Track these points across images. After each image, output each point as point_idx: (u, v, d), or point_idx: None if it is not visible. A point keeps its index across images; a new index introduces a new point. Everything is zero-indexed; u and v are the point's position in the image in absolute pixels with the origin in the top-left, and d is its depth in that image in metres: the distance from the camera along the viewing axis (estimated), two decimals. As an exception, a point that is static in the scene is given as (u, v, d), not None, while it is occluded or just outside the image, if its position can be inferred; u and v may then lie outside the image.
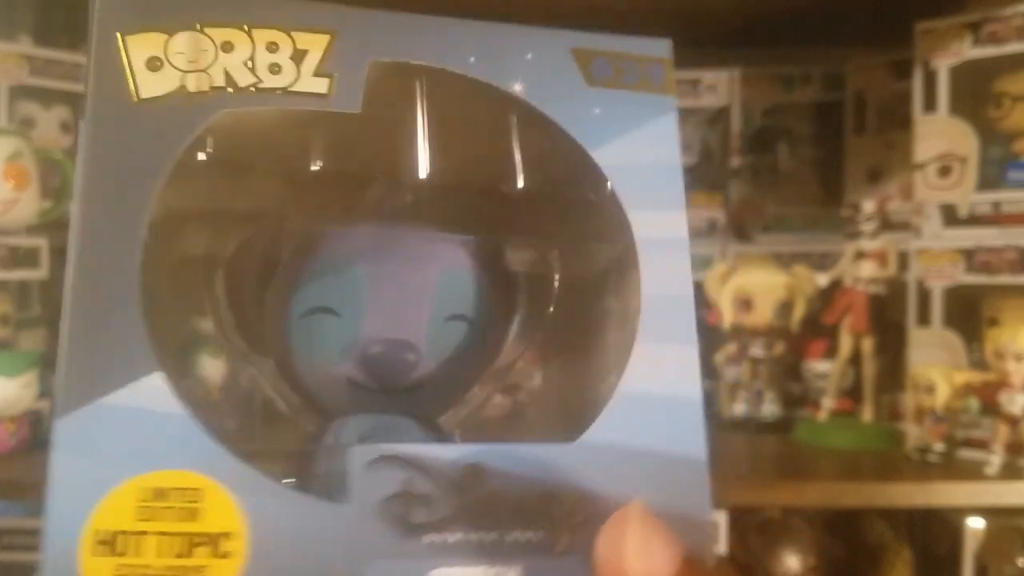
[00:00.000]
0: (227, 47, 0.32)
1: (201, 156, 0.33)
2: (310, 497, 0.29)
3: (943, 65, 0.77)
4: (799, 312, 0.88)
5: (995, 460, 0.72)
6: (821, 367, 0.89)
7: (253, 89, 0.32)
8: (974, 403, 0.74)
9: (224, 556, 0.28)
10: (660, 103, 0.35)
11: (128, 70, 0.31)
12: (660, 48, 0.36)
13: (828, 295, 0.88)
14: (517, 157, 0.38)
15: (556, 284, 0.41)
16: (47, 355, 0.77)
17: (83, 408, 0.28)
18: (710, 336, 0.92)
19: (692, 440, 0.32)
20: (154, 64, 0.31)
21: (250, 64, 0.32)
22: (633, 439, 0.31)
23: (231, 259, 0.39)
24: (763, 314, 0.88)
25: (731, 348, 0.89)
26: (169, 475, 0.28)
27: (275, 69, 0.32)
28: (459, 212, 0.39)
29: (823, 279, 0.88)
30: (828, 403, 0.86)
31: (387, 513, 0.29)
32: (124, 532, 0.28)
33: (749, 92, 0.98)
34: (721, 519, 0.77)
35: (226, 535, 0.28)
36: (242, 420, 0.40)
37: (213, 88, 0.32)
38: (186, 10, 0.32)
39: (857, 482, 0.74)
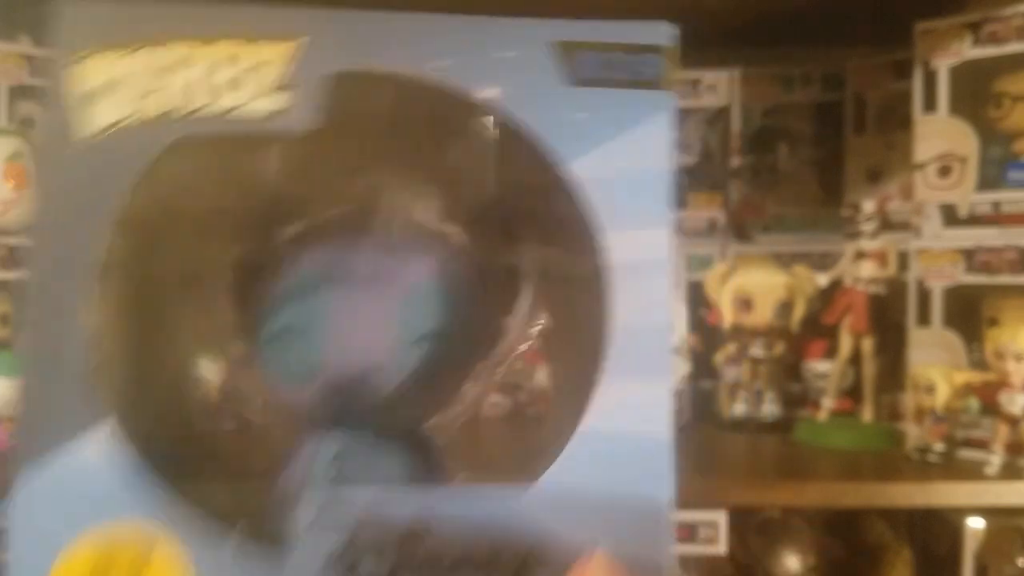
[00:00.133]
0: (184, 64, 0.30)
1: (155, 183, 0.32)
2: (260, 546, 0.29)
3: (943, 65, 0.77)
4: (799, 312, 0.88)
5: (995, 460, 0.72)
6: (821, 367, 0.89)
7: (209, 110, 0.30)
8: (974, 403, 0.74)
9: None
10: (653, 101, 0.31)
11: (81, 98, 0.30)
12: (657, 34, 0.32)
13: (828, 295, 0.88)
14: (487, 173, 0.36)
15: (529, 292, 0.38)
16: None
17: (39, 460, 0.28)
18: (710, 336, 0.92)
19: (658, 482, 0.30)
20: (110, 88, 0.30)
21: (207, 82, 0.30)
22: (594, 481, 0.29)
23: (204, 284, 0.38)
24: (763, 314, 0.88)
25: (731, 348, 0.89)
26: (120, 528, 0.28)
27: (234, 84, 0.30)
28: (426, 230, 0.37)
29: (823, 279, 0.88)
30: (828, 403, 0.86)
31: (335, 566, 0.28)
32: None
33: (749, 92, 0.98)
34: (721, 519, 0.77)
35: None
36: (209, 449, 0.39)
37: (167, 112, 0.30)
38: (144, 25, 0.30)
39: (857, 482, 0.74)
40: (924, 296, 0.78)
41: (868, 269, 0.85)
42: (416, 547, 0.28)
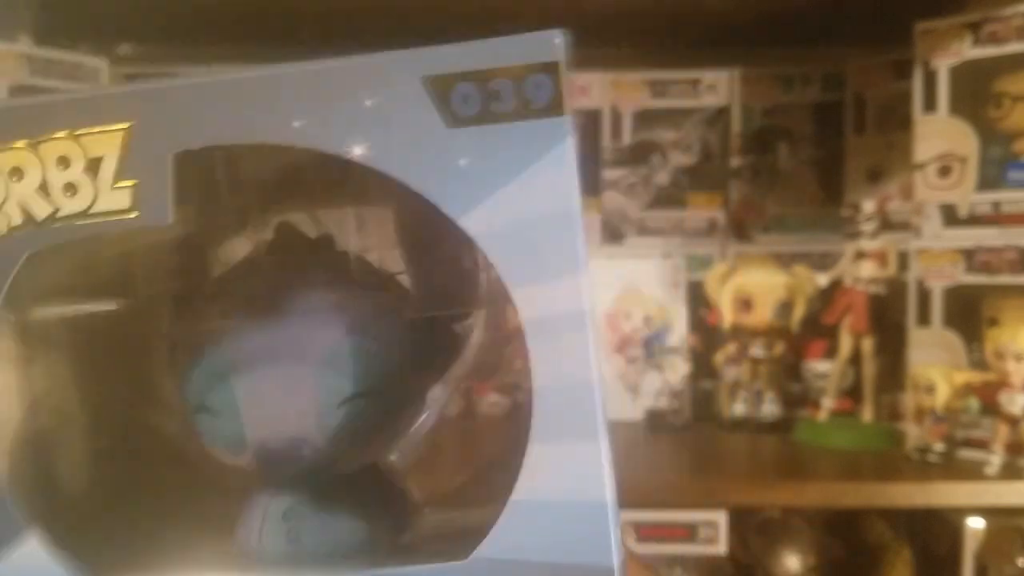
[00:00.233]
0: (16, 175, 0.28)
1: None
2: None
3: (943, 65, 0.77)
4: (799, 312, 0.88)
5: (995, 460, 0.72)
6: (821, 367, 0.89)
7: (55, 220, 0.28)
8: (974, 403, 0.74)
9: None
10: (548, 131, 0.26)
11: None
12: (545, 47, 0.26)
13: (828, 295, 0.88)
14: (356, 243, 0.34)
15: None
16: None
17: None
18: (710, 336, 0.92)
19: (601, 549, 0.27)
20: None
21: (44, 191, 0.28)
22: (533, 553, 0.27)
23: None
24: (763, 314, 0.88)
25: (731, 348, 0.89)
26: None
27: (70, 190, 0.28)
28: (324, 296, 0.35)
29: (823, 279, 0.88)
30: (828, 403, 0.86)
31: None
32: None
33: (749, 92, 0.98)
34: (721, 519, 0.77)
35: None
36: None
37: (12, 228, 0.28)
38: None
39: (857, 482, 0.74)
40: (924, 296, 0.78)
41: (868, 269, 0.85)
42: None
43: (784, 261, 0.92)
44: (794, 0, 0.83)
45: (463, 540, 0.30)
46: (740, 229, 0.97)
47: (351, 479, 0.37)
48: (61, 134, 0.28)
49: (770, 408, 0.88)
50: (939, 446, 0.75)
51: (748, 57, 0.97)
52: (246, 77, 0.27)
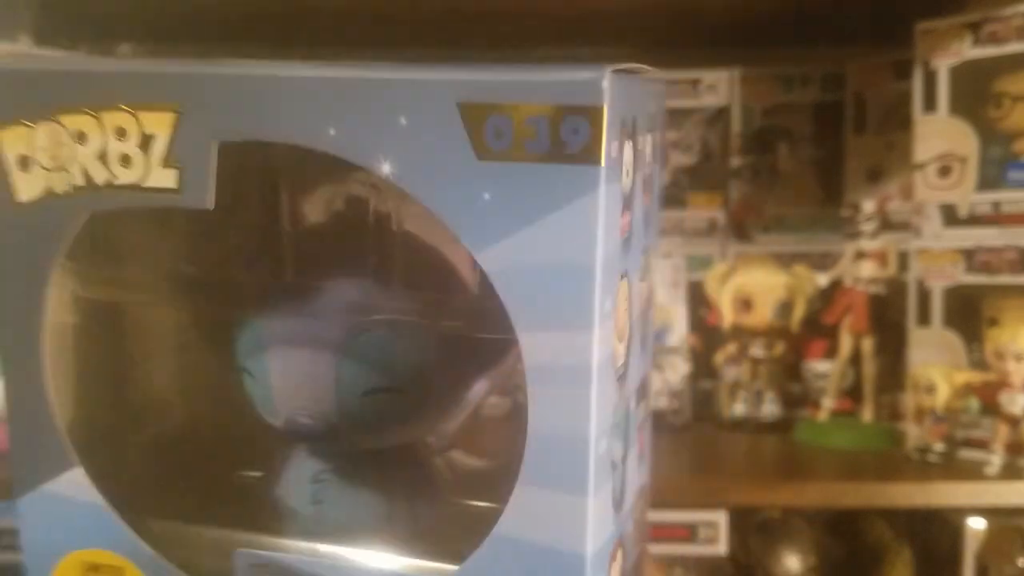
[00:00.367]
0: (80, 138, 0.29)
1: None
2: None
3: (943, 65, 0.77)
4: (799, 312, 0.88)
5: (995, 460, 0.72)
6: (821, 367, 0.88)
7: (110, 187, 0.30)
8: (974, 403, 0.74)
9: None
10: (578, 178, 0.25)
11: (5, 171, 0.30)
12: (588, 89, 0.25)
13: (828, 295, 0.88)
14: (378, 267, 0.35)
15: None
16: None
17: (29, 495, 0.32)
18: (710, 336, 0.92)
19: None
20: (24, 164, 0.30)
21: (103, 157, 0.29)
22: None
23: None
24: (763, 314, 0.88)
25: (731, 348, 0.89)
26: (99, 554, 0.32)
27: (126, 161, 0.29)
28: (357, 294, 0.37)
29: (823, 279, 0.88)
30: (828, 403, 0.86)
31: None
32: None
33: (749, 92, 0.98)
34: (721, 519, 0.77)
35: None
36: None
37: (76, 188, 0.30)
38: (40, 97, 0.30)
39: (857, 482, 0.74)
40: (924, 296, 0.78)
41: (868, 269, 0.85)
42: None
43: (784, 261, 0.92)
44: (794, 0, 0.83)
45: (463, 537, 0.30)
46: (740, 229, 0.97)
47: (380, 457, 0.38)
48: (122, 104, 0.29)
49: (770, 408, 0.88)
50: (939, 446, 0.75)
51: (748, 57, 0.97)
52: (288, 76, 0.27)
